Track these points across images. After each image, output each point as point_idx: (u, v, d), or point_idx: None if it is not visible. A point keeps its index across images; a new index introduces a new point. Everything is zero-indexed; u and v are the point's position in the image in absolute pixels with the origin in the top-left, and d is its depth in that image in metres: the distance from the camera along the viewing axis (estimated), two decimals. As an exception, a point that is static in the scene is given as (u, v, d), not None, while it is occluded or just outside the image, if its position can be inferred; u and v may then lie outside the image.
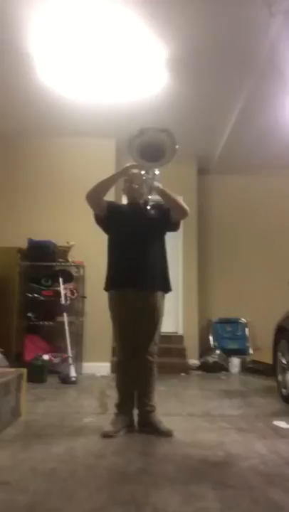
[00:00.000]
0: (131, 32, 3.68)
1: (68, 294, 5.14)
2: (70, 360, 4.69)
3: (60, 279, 5.10)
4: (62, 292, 5.04)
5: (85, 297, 5.43)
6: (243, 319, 6.42)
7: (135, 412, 2.83)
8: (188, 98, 4.73)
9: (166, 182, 2.78)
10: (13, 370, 3.29)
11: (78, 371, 4.87)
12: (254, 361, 5.76)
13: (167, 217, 2.83)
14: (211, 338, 6.32)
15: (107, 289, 2.88)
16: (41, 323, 5.22)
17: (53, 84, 4.47)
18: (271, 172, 6.55)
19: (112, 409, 2.94)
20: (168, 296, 2.92)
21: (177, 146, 2.49)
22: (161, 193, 2.76)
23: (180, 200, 2.77)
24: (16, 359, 4.73)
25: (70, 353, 4.74)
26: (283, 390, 3.80)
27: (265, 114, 4.87)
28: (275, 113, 4.83)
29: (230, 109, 4.90)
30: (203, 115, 5.12)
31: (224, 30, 3.64)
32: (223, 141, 5.68)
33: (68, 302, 5.09)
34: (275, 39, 3.55)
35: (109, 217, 2.84)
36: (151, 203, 2.91)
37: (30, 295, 5.20)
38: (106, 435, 2.61)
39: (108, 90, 4.59)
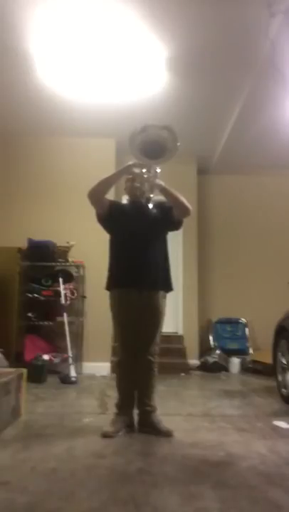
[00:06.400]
0: (131, 32, 3.68)
1: (68, 294, 5.14)
2: (70, 360, 4.70)
3: (60, 279, 5.10)
4: (62, 292, 5.03)
5: (85, 297, 5.43)
6: (243, 319, 6.42)
7: (135, 412, 2.83)
8: (188, 98, 4.73)
9: (166, 182, 2.77)
10: (13, 370, 3.29)
11: (78, 371, 4.87)
12: (254, 361, 5.76)
13: (169, 216, 2.82)
14: (211, 338, 6.32)
15: (108, 288, 2.87)
16: (41, 323, 5.22)
17: (53, 84, 4.48)
18: (271, 172, 6.56)
19: (112, 409, 2.94)
20: (168, 296, 2.91)
21: (179, 143, 2.49)
22: (163, 190, 2.74)
23: (182, 197, 2.76)
24: (16, 359, 4.73)
25: (70, 353, 4.74)
26: (283, 390, 3.80)
27: (265, 114, 4.87)
28: (275, 113, 4.83)
29: (230, 109, 4.90)
30: (203, 115, 5.12)
31: (224, 30, 3.64)
32: (223, 141, 5.68)
33: (68, 302, 5.09)
34: (275, 39, 3.55)
35: (111, 216, 2.83)
36: (153, 202, 2.90)
37: (30, 295, 5.20)
38: (106, 435, 2.61)
39: (108, 90, 4.59)
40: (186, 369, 5.48)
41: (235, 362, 5.81)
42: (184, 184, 5.87)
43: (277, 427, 2.93)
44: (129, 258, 2.80)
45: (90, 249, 5.10)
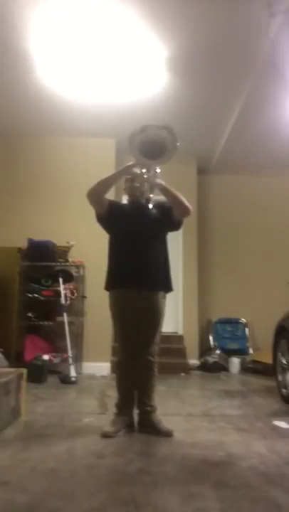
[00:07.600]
0: (131, 32, 3.67)
1: (68, 294, 5.14)
2: (70, 360, 4.70)
3: (60, 279, 5.10)
4: (62, 292, 5.03)
5: (85, 297, 5.43)
6: (243, 319, 6.42)
7: (135, 412, 2.83)
8: (188, 98, 4.73)
9: (166, 182, 2.77)
10: (13, 370, 3.29)
11: (78, 371, 4.87)
12: (254, 361, 5.76)
13: (169, 216, 2.81)
14: (211, 338, 6.32)
15: (107, 288, 2.87)
16: (41, 323, 5.22)
17: (53, 84, 4.47)
18: (271, 172, 6.55)
19: (112, 409, 2.94)
20: (168, 296, 2.91)
21: (178, 144, 2.48)
22: (163, 190, 2.74)
23: (182, 197, 2.76)
24: (16, 359, 4.73)
25: (70, 353, 4.74)
26: (283, 390, 3.80)
27: (265, 114, 4.87)
28: (275, 113, 4.83)
29: (230, 109, 4.90)
30: (203, 115, 5.12)
31: (224, 30, 3.64)
32: (223, 141, 5.68)
33: (68, 302, 5.09)
34: (275, 39, 3.55)
35: (110, 216, 2.83)
36: (153, 202, 2.90)
37: (30, 295, 5.20)
38: (106, 435, 2.61)
39: (108, 90, 4.59)
40: (186, 369, 5.48)
41: (235, 362, 5.80)
42: (184, 184, 5.85)
43: (277, 427, 2.93)
44: (129, 258, 2.80)
45: (90, 249, 5.09)
